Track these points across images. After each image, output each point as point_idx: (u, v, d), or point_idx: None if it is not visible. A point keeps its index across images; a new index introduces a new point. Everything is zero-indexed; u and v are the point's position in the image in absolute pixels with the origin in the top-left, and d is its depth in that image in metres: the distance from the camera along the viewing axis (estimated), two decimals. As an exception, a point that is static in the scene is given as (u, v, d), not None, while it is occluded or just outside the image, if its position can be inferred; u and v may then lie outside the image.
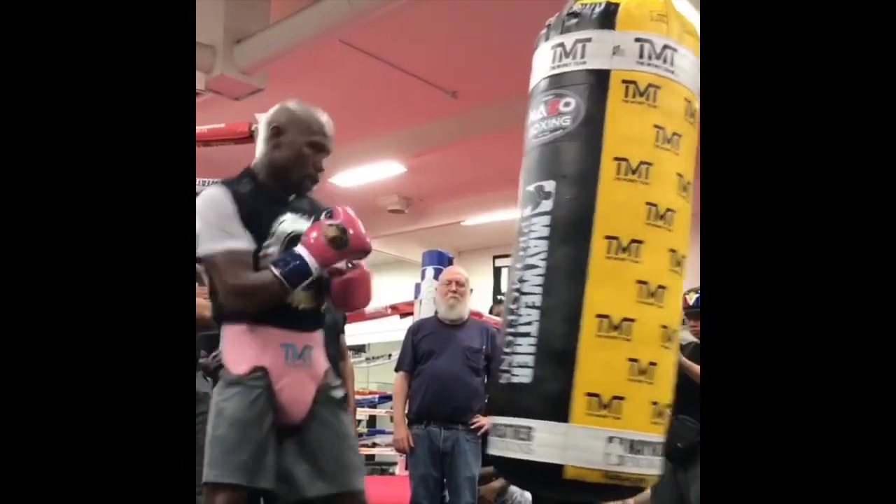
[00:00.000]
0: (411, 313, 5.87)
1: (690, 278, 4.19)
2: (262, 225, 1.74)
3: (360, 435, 5.71)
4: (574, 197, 1.80)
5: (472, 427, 3.26)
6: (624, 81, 1.80)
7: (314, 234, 1.73)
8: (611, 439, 1.71)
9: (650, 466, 1.78)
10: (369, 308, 7.33)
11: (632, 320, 1.74)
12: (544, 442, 1.74)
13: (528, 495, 3.52)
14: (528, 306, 1.82)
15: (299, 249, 1.72)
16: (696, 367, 3.22)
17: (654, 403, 1.77)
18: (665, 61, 1.81)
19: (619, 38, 1.81)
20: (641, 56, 1.80)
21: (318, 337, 1.85)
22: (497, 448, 1.86)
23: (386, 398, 7.88)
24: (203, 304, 1.85)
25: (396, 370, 3.52)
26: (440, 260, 4.78)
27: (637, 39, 1.80)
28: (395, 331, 5.92)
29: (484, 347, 3.37)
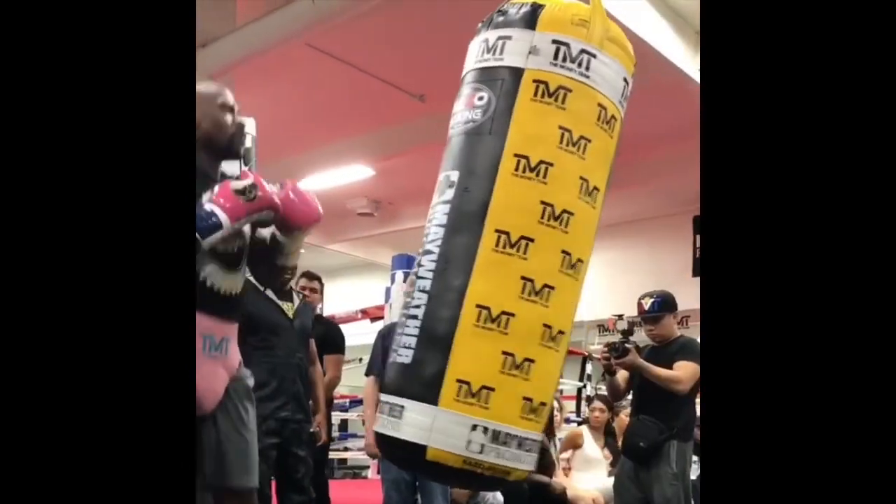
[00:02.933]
0: (382, 317, 5.92)
1: (647, 285, 4.16)
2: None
3: (332, 439, 5.78)
4: (473, 189, 1.84)
5: None
6: (535, 81, 1.82)
7: (219, 189, 1.79)
8: (474, 427, 1.74)
9: (516, 460, 1.81)
10: (339, 312, 7.36)
11: (511, 314, 1.77)
12: (412, 422, 1.78)
13: (499, 497, 3.57)
14: (420, 290, 1.87)
15: (206, 203, 1.77)
16: (656, 369, 3.23)
17: (528, 399, 1.80)
18: (580, 65, 1.83)
19: (537, 39, 1.84)
20: (556, 58, 1.82)
21: (235, 328, 1.91)
22: (377, 423, 1.91)
23: (357, 402, 7.91)
24: None
25: (367, 374, 3.55)
26: (410, 264, 4.81)
27: (554, 41, 1.83)
28: (365, 334, 5.94)
29: None
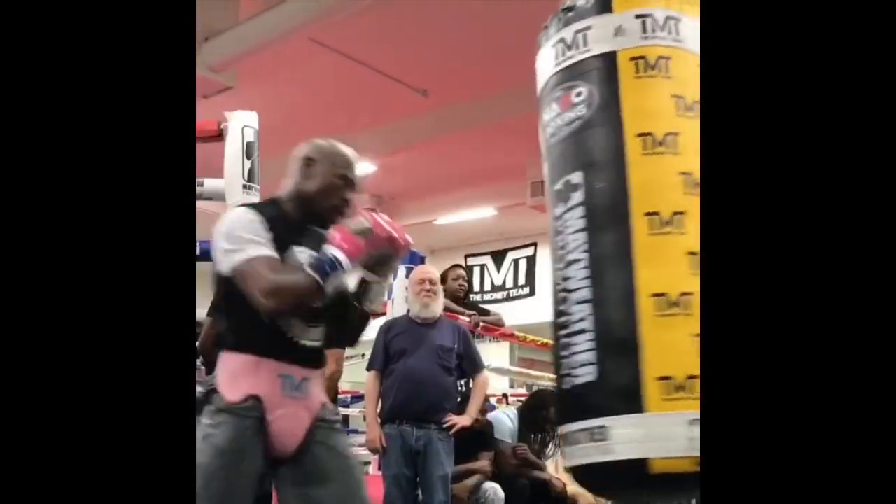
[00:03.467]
0: (383, 313, 5.69)
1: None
2: (280, 250, 1.69)
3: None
4: (604, 182, 1.76)
5: (445, 426, 3.17)
6: (632, 59, 1.77)
7: (338, 233, 1.67)
8: (692, 422, 1.60)
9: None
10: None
11: (689, 293, 1.66)
12: (623, 438, 1.64)
13: (500, 494, 3.42)
14: (578, 302, 1.76)
15: (326, 248, 1.64)
16: None
17: (731, 379, 1.67)
18: (670, 32, 1.79)
19: (619, 19, 1.80)
20: (645, 31, 1.78)
21: (319, 373, 1.79)
22: (573, 457, 1.76)
23: (358, 398, 7.67)
24: None
25: (368, 369, 3.44)
26: (412, 259, 4.65)
27: (638, 16, 1.79)
28: (367, 330, 5.66)
29: (456, 346, 3.30)
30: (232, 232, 1.65)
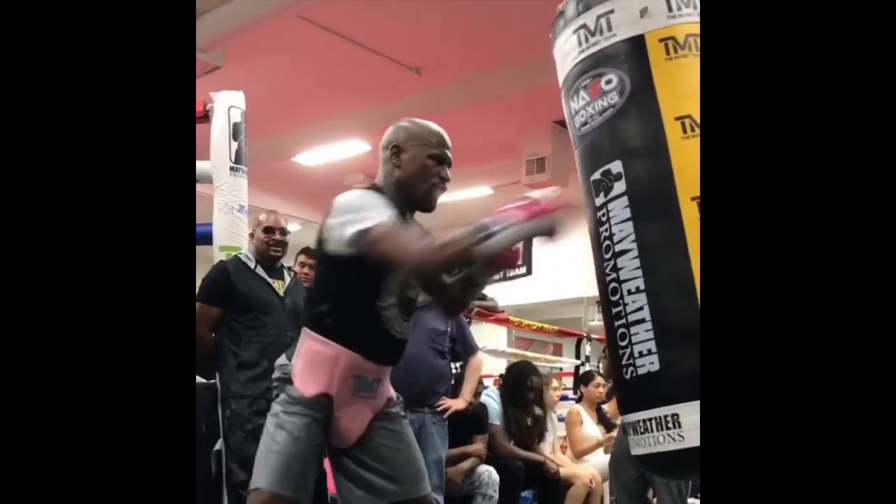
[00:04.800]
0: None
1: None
2: None
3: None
4: (646, 170, 1.73)
5: (438, 409, 3.18)
6: (661, 40, 1.74)
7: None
8: (763, 402, 1.60)
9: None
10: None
11: (746, 275, 1.64)
12: (693, 425, 1.63)
13: (495, 476, 3.43)
14: (631, 292, 1.74)
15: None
16: None
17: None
18: (696, 7, 1.76)
19: (642, 0, 1.77)
20: (671, 10, 1.75)
21: (388, 371, 1.83)
22: (643, 446, 1.75)
23: None
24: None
25: None
26: None
27: (662, -5, 1.76)
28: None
29: (449, 329, 3.28)
30: (359, 201, 1.63)
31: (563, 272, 7.28)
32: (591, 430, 4.40)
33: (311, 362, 1.69)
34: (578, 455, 4.31)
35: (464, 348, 3.37)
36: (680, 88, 1.72)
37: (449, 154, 1.76)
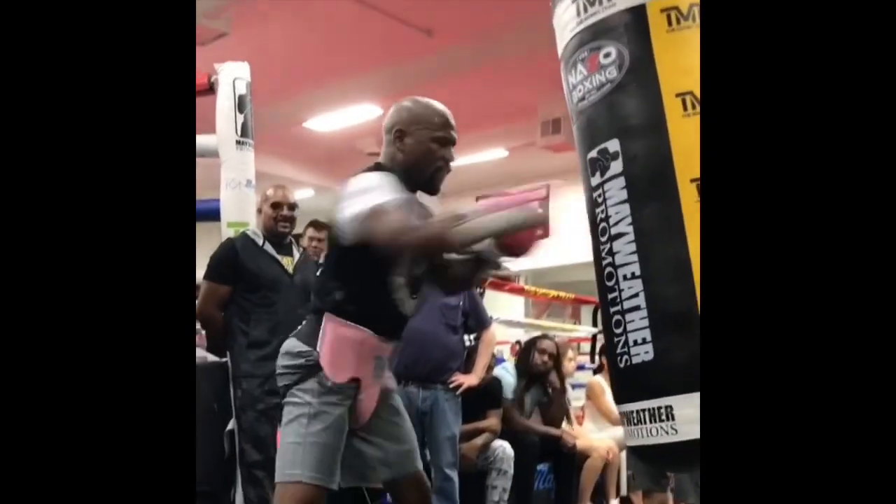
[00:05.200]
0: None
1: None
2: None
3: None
4: (644, 149, 1.64)
5: (451, 386, 3.12)
6: (663, 10, 1.64)
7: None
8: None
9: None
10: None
11: (746, 262, 1.56)
12: (686, 418, 1.57)
13: (509, 451, 3.38)
14: (627, 278, 1.67)
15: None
16: None
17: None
18: (701, -24, 1.64)
19: (644, -33, 1.65)
20: (674, -22, 1.64)
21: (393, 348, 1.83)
22: (636, 437, 1.69)
23: None
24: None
25: None
26: None
27: (664, -38, 1.64)
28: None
29: (461, 304, 3.21)
30: (369, 182, 1.60)
31: (581, 234, 7.17)
32: (611, 400, 4.35)
33: (337, 349, 1.68)
34: (616, 422, 4.26)
35: (476, 322, 3.32)
36: (681, 63, 1.62)
37: (454, 134, 1.72)
